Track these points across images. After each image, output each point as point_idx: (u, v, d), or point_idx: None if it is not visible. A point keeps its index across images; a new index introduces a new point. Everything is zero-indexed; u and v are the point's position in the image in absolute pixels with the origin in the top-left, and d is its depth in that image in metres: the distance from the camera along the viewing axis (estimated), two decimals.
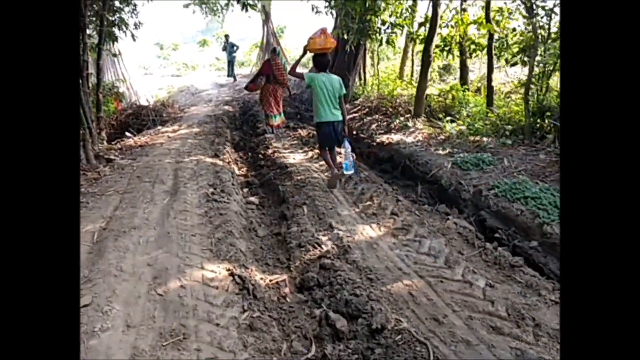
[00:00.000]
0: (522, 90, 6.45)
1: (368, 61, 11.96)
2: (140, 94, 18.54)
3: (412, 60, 10.82)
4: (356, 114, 9.31)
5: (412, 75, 10.85)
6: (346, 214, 4.58)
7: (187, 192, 5.32)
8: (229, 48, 17.73)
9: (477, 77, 10.13)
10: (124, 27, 11.58)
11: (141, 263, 3.80)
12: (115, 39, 11.52)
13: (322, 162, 6.53)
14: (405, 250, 3.72)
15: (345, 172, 5.21)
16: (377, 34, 9.77)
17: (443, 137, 6.77)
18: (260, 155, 7.56)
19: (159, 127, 9.94)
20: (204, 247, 4.04)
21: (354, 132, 8.30)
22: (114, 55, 12.02)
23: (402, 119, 7.93)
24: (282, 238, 4.40)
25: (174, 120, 10.70)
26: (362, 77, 10.63)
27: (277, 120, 9.00)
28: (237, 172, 7.08)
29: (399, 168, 6.10)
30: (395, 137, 7.07)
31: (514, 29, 7.71)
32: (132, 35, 11.83)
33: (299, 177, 5.78)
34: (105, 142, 8.47)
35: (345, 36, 9.83)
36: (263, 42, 21.07)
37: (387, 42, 9.65)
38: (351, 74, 10.37)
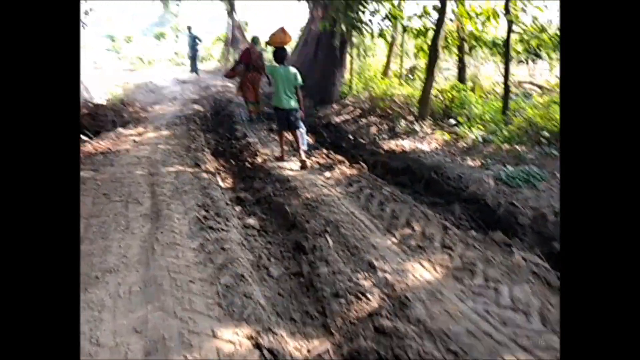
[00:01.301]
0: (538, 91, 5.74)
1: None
2: (92, 90, 16.82)
3: (401, 56, 10.06)
4: (348, 116, 8.42)
5: (401, 73, 10.09)
6: (384, 246, 3.68)
7: (173, 216, 4.24)
8: (191, 41, 16.33)
9: (469, 75, 9.48)
10: None
11: (125, 329, 2.76)
12: None
13: (329, 175, 5.60)
14: (481, 303, 2.86)
15: (303, 148, 6.27)
16: (367, 26, 8.92)
17: (465, 145, 5.99)
18: (247, 164, 6.51)
19: (120, 130, 8.62)
20: (210, 300, 3.03)
21: (351, 137, 7.41)
22: None
23: (405, 122, 7.10)
24: (306, 281, 3.44)
25: (137, 122, 9.39)
26: (350, 74, 9.77)
27: (257, 107, 9.43)
28: (222, 185, 6.01)
29: (422, 182, 5.24)
30: (405, 144, 6.22)
31: (535, 20, 7.08)
32: (82, 24, 10.46)
33: (307, 195, 4.81)
34: None
35: (334, 29, 8.92)
36: (227, 36, 19.75)
37: (380, 35, 8.82)
38: (338, 70, 9.48)
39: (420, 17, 8.37)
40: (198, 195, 4.77)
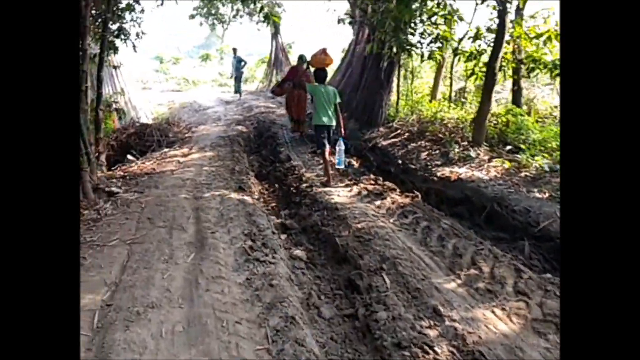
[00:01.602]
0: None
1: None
2: (139, 110, 17.29)
3: (451, 78, 9.69)
4: (396, 139, 8.09)
5: (450, 95, 9.70)
6: (448, 289, 3.30)
7: (218, 246, 4.01)
8: (236, 63, 16.53)
9: (524, 99, 8.97)
10: (124, 36, 10.46)
11: None
12: (115, 49, 10.36)
13: (379, 203, 5.28)
14: None
15: (337, 166, 6.44)
16: (417, 48, 8.64)
17: (529, 174, 5.53)
18: (292, 189, 6.27)
19: (166, 150, 8.65)
20: (258, 345, 2.75)
21: (400, 162, 7.07)
22: (115, 67, 10.78)
23: (458, 147, 6.71)
24: (362, 325, 3.10)
25: (182, 142, 9.41)
26: (397, 96, 9.48)
27: (302, 126, 9.56)
28: (266, 210, 5.79)
29: (483, 214, 4.83)
30: (461, 171, 5.82)
31: None
32: (133, 46, 10.69)
33: (358, 225, 4.49)
34: (104, 169, 7.16)
35: (382, 50, 8.68)
36: (271, 58, 19.97)
37: (430, 57, 8.51)
38: (385, 92, 9.21)
39: (473, 39, 8.02)
40: (244, 223, 4.54)
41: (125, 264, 3.74)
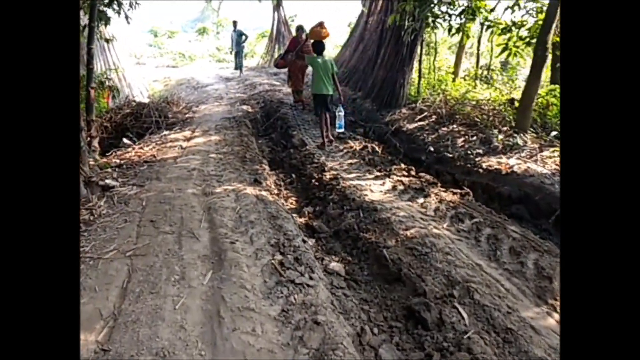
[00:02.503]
0: None
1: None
2: (134, 86, 16.26)
3: (478, 54, 8.80)
4: (423, 122, 7.26)
5: (476, 73, 8.84)
6: (545, 327, 2.55)
7: (240, 261, 3.24)
8: (237, 37, 15.42)
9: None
10: (117, 5, 9.47)
11: None
12: (107, 20, 9.39)
13: (423, 201, 4.50)
14: None
15: (338, 130, 7.01)
16: (445, 20, 7.74)
17: None
18: (314, 181, 5.48)
19: (166, 133, 7.79)
20: None
21: (432, 149, 6.26)
22: (107, 40, 9.78)
23: (500, 133, 5.89)
24: None
25: (183, 123, 8.54)
26: (419, 74, 8.60)
27: (302, 95, 9.59)
28: (287, 207, 5.01)
29: (552, 218, 4.06)
30: (511, 162, 5.02)
31: None
32: (126, 17, 9.69)
33: (406, 232, 3.72)
34: (97, 156, 6.31)
35: (406, 22, 7.76)
36: (272, 32, 18.85)
37: (459, 30, 7.61)
38: (407, 70, 8.33)
39: (511, 8, 7.13)
40: (267, 229, 3.76)
41: (125, 286, 2.97)
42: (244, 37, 15.41)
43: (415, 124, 7.31)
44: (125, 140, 7.60)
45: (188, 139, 7.22)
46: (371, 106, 9.03)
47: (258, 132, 8.58)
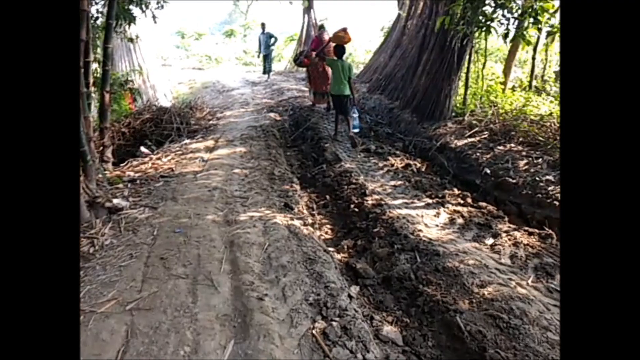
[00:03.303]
0: None
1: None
2: (158, 89, 15.81)
3: (533, 62, 7.90)
4: (474, 139, 6.40)
5: (530, 83, 7.93)
6: None
7: (271, 329, 2.47)
8: (265, 39, 14.73)
9: None
10: (143, 5, 8.94)
11: None
12: (132, 19, 8.85)
13: (492, 241, 3.66)
14: None
15: (353, 130, 7.31)
16: (501, 24, 6.88)
17: None
18: (352, 207, 4.69)
19: (187, 141, 7.13)
20: None
21: (489, 172, 5.40)
22: (130, 40, 9.25)
23: None
24: None
25: (206, 131, 7.88)
26: (465, 84, 7.75)
27: (326, 98, 9.33)
28: (320, 236, 4.24)
29: None
30: None
31: None
32: (153, 16, 9.14)
33: (482, 290, 2.90)
34: (110, 166, 5.68)
35: (457, 26, 6.94)
36: (302, 35, 18.18)
37: (518, 35, 6.74)
38: (454, 79, 7.48)
39: None
40: (304, 277, 2.99)
41: (122, 358, 2.25)
42: (272, 40, 14.74)
43: (465, 140, 6.46)
44: (142, 148, 6.97)
45: (211, 150, 6.53)
46: (411, 117, 8.21)
47: (286, 143, 7.85)
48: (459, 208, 4.44)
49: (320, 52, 8.97)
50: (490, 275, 3.05)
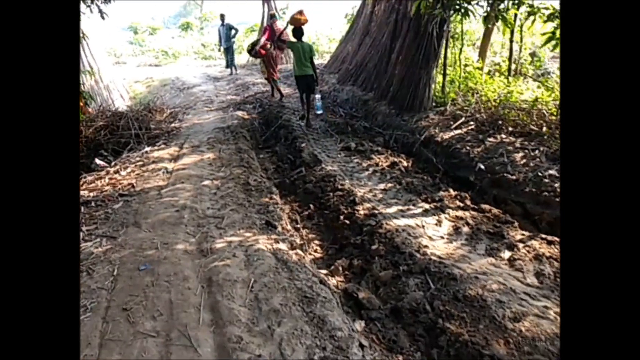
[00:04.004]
0: None
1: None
2: (113, 89, 14.75)
3: (511, 46, 7.55)
4: (461, 131, 5.99)
5: (509, 68, 7.59)
6: None
7: None
8: (226, 31, 13.89)
9: None
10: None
11: None
12: None
13: (509, 254, 3.23)
14: None
15: (317, 112, 7.85)
16: (481, 7, 6.52)
17: None
18: (342, 217, 4.18)
19: (147, 149, 6.42)
20: None
21: (483, 167, 4.98)
22: None
23: None
24: None
25: (168, 136, 7.17)
26: (443, 72, 7.33)
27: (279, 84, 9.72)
28: (307, 256, 3.73)
29: None
30: None
31: None
32: (101, 12, 8.31)
33: (518, 325, 2.44)
34: None
35: (434, 10, 6.49)
36: (262, 25, 17.38)
37: (499, 17, 6.34)
38: (432, 66, 7.03)
39: None
40: (304, 326, 2.46)
41: None
42: (233, 32, 13.94)
43: (451, 133, 6.04)
44: (97, 160, 6.21)
45: (175, 158, 5.87)
46: (388, 109, 7.73)
47: (258, 144, 7.25)
48: (460, 213, 4.00)
49: (276, 42, 9.24)
50: (522, 304, 2.60)
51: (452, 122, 6.31)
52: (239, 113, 8.52)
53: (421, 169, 5.67)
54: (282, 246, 3.45)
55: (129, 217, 4.01)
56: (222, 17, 14.00)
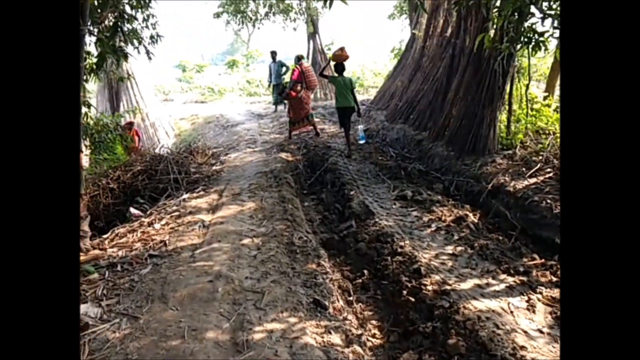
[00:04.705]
0: None
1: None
2: (159, 127, 14.84)
3: None
4: (537, 179, 5.16)
5: None
6: None
7: None
8: (277, 68, 13.58)
9: None
10: (136, 40, 7.97)
11: None
12: (124, 56, 7.87)
13: None
14: None
15: (360, 142, 8.48)
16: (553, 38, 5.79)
17: None
18: (405, 292, 3.45)
19: (185, 196, 5.97)
20: None
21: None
22: (121, 79, 8.25)
23: None
24: None
25: (208, 180, 6.72)
26: (509, 110, 6.58)
27: (305, 122, 9.53)
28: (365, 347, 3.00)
29: None
30: None
31: None
32: (148, 52, 8.15)
33: None
34: (88, 241, 4.50)
35: (501, 44, 5.82)
36: (308, 61, 17.23)
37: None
38: (498, 105, 6.29)
39: None
40: None
41: None
42: (284, 69, 13.64)
43: (525, 182, 5.22)
44: (132, 209, 5.81)
45: (213, 209, 5.36)
46: (446, 151, 7.00)
47: (302, 189, 6.69)
48: (557, 293, 3.18)
49: (304, 83, 9.28)
50: None
51: (524, 169, 5.51)
52: (283, 155, 8.03)
53: (492, 225, 4.88)
54: (335, 339, 2.76)
55: (156, 287, 3.45)
56: (274, 54, 13.82)
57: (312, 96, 10.52)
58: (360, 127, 8.40)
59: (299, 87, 9.20)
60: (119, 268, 3.89)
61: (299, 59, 10.41)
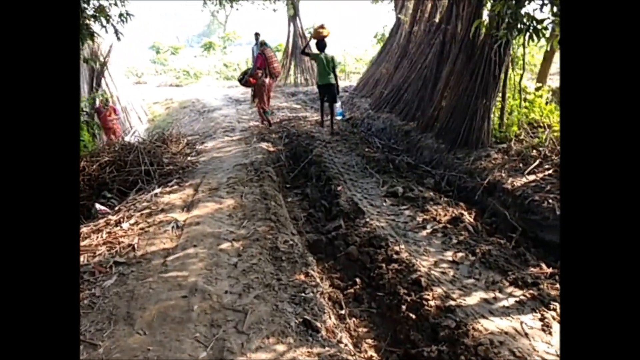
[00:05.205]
0: None
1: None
2: (131, 111, 14.07)
3: None
4: (536, 176, 4.86)
5: None
6: None
7: None
8: (258, 51, 13.01)
9: None
10: (104, 18, 7.42)
11: None
12: (90, 35, 7.33)
13: None
14: None
15: (337, 117, 8.90)
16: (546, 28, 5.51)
17: None
18: (404, 308, 3.10)
19: (158, 191, 5.47)
20: None
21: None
22: (85, 61, 7.59)
23: None
24: None
25: (183, 173, 6.22)
26: (502, 102, 6.25)
27: (272, 115, 9.54)
28: None
29: None
30: None
31: None
32: (116, 32, 7.58)
33: None
34: None
35: (497, 31, 5.47)
36: (288, 45, 16.61)
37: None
38: (492, 96, 5.95)
39: None
40: None
41: None
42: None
43: (524, 179, 4.92)
44: (98, 206, 5.28)
45: (188, 207, 4.89)
46: (436, 144, 6.66)
47: (285, 183, 6.26)
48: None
49: (267, 69, 9.08)
50: None
51: (521, 165, 5.21)
52: (264, 145, 7.55)
53: (490, 226, 4.57)
54: None
55: (121, 304, 3.00)
56: (257, 36, 13.19)
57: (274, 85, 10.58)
58: (338, 104, 8.85)
59: (259, 74, 8.94)
60: (80, 277, 3.41)
61: (262, 44, 10.12)
